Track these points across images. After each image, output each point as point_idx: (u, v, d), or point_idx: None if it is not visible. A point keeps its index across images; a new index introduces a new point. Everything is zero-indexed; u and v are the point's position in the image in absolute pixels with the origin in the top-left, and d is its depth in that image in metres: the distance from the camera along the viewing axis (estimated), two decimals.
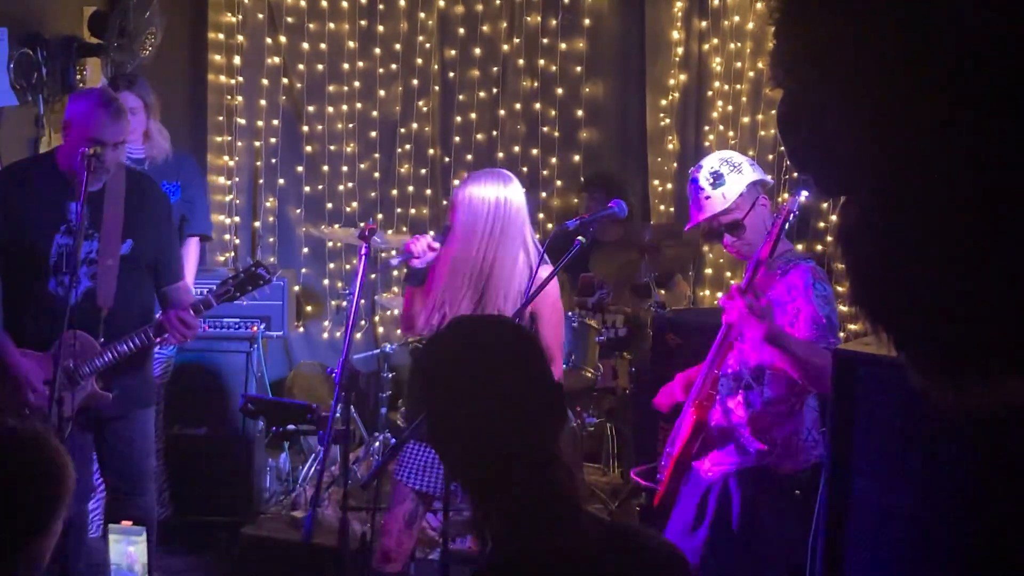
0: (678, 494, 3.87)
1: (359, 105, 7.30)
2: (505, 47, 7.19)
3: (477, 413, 1.84)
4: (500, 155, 7.19)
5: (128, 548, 3.00)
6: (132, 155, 5.23)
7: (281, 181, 7.37)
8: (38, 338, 4.07)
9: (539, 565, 1.79)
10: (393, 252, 4.09)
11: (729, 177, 3.73)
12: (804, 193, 3.62)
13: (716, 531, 3.69)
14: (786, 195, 6.65)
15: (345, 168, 7.33)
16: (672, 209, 7.02)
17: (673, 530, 3.76)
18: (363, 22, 7.26)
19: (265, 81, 7.30)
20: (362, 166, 7.34)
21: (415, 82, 7.25)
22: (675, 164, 7.02)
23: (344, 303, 6.99)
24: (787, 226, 3.57)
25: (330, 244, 7.35)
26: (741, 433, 3.73)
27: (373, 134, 7.33)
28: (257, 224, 7.44)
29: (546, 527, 1.81)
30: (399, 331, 4.41)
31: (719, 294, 6.90)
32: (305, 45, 7.26)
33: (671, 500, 3.89)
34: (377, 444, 6.06)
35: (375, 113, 7.30)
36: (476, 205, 4.00)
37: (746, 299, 3.44)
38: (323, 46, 7.26)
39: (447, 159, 7.31)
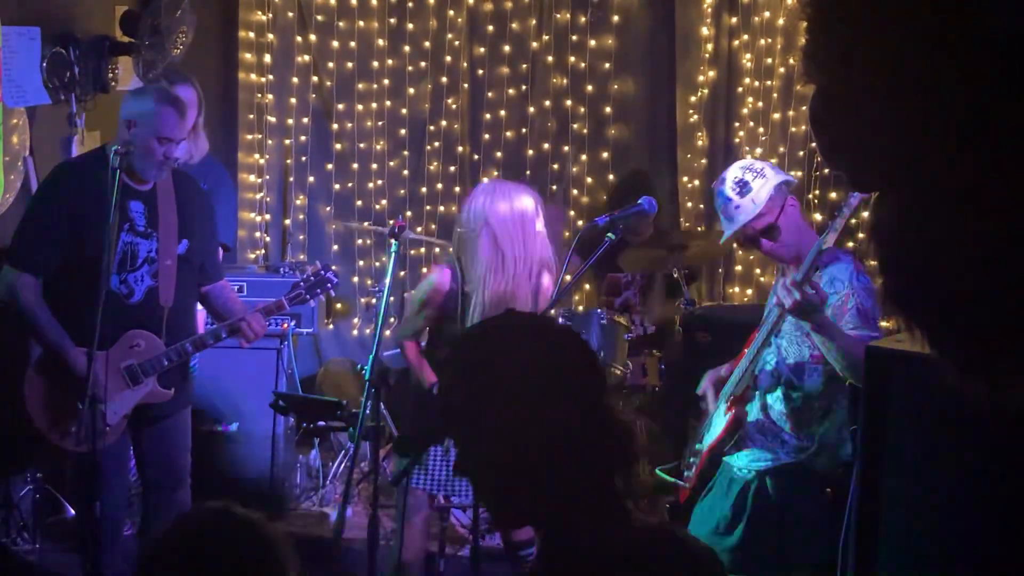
0: (708, 491, 3.87)
1: (388, 103, 7.32)
2: (534, 44, 7.18)
3: (536, 413, 1.77)
4: (530, 152, 7.19)
5: None
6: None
7: (311, 179, 7.40)
8: (100, 336, 4.06)
9: (587, 567, 1.78)
10: None
11: (755, 183, 3.72)
12: (857, 195, 3.60)
13: (752, 529, 3.69)
14: (816, 191, 6.63)
15: (374, 166, 7.35)
16: (701, 206, 7.00)
17: (703, 527, 3.76)
18: (392, 20, 7.27)
19: (295, 79, 7.33)
20: (391, 164, 7.36)
21: (444, 80, 7.26)
22: (704, 161, 7.00)
23: (374, 300, 7.01)
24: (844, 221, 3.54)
25: (359, 241, 7.38)
26: (781, 429, 3.73)
27: (402, 132, 7.34)
28: (287, 222, 7.48)
29: (597, 530, 1.79)
30: None
31: (749, 291, 6.88)
32: (335, 43, 7.28)
33: (699, 496, 3.89)
34: None
35: (404, 111, 7.32)
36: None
37: (805, 291, 3.43)
38: (353, 44, 7.28)
39: (476, 156, 7.31)
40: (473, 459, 1.85)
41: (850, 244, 6.30)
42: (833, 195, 6.46)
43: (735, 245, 4.23)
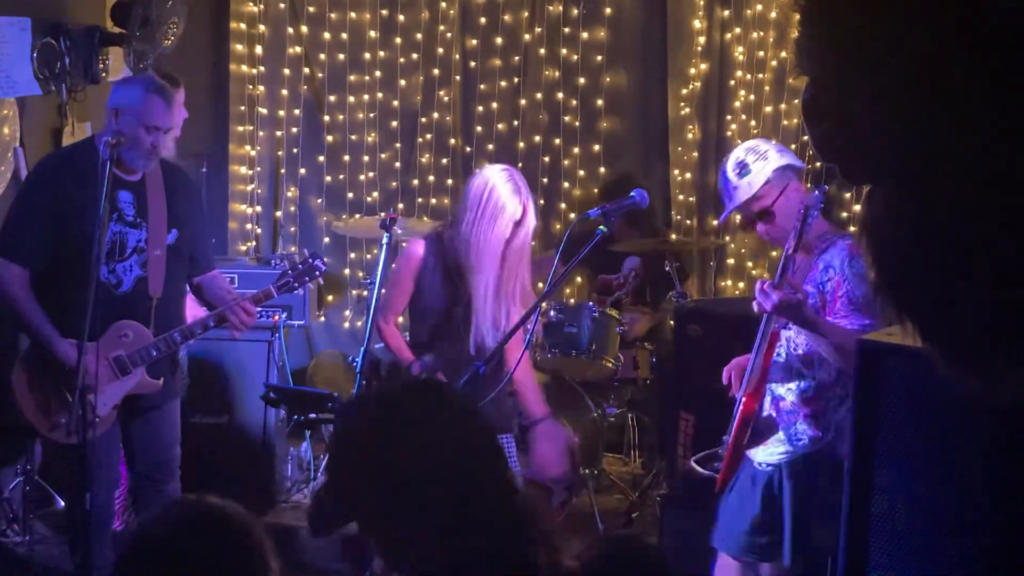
0: (732, 485, 3.88)
1: (380, 95, 7.30)
2: (527, 36, 7.18)
3: (428, 489, 1.72)
4: (521, 145, 7.19)
5: None
6: None
7: (302, 171, 7.39)
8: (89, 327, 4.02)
9: None
10: None
11: (754, 165, 3.71)
12: (819, 192, 3.60)
13: (765, 519, 3.71)
14: (808, 184, 6.62)
15: (366, 158, 7.34)
16: (692, 199, 7.01)
17: (736, 526, 3.81)
18: (384, 11, 7.26)
19: (287, 71, 7.31)
20: (383, 156, 7.35)
21: (436, 71, 7.25)
22: (696, 154, 7.00)
23: (365, 292, 7.00)
24: (810, 221, 3.54)
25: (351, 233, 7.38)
26: (795, 421, 3.72)
27: (394, 124, 7.33)
28: (279, 214, 7.47)
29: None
30: None
31: (740, 284, 6.88)
32: (326, 35, 7.26)
33: (728, 487, 3.91)
34: None
35: (396, 103, 7.31)
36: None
37: (782, 293, 3.43)
38: (344, 36, 7.27)
39: (468, 149, 7.31)
40: (372, 533, 1.80)
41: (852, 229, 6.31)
42: (826, 189, 6.45)
43: (737, 232, 4.22)
